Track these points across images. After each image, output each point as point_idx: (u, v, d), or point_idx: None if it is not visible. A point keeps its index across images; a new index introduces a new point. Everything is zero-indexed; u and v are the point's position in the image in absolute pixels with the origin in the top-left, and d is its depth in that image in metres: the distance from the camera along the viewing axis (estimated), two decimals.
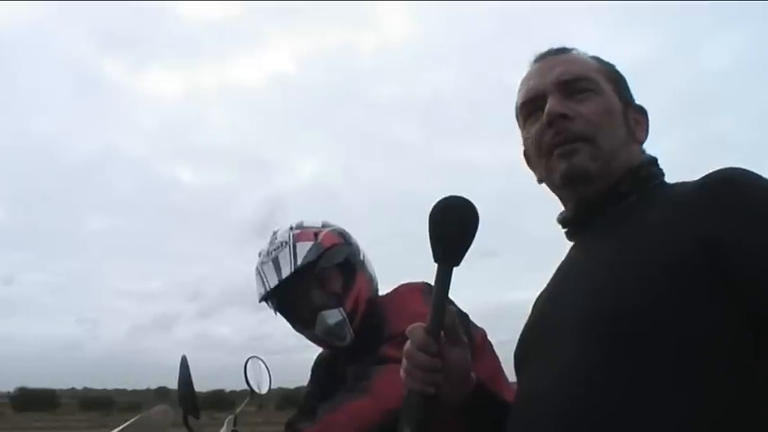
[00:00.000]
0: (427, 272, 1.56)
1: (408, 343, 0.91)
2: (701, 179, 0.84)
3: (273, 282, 1.57)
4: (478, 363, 1.33)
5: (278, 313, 1.68)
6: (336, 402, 1.41)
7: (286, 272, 1.56)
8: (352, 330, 1.57)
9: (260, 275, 1.62)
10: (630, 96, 1.00)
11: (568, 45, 1.02)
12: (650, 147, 1.00)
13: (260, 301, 1.65)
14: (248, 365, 1.91)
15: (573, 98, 0.94)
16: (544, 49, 1.03)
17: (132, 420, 1.67)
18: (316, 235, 1.63)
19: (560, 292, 0.94)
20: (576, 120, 0.93)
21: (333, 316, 1.56)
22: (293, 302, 1.63)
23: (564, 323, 0.86)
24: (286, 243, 1.60)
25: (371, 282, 1.68)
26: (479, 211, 0.88)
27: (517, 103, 1.02)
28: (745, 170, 0.82)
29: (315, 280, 1.59)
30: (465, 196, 0.88)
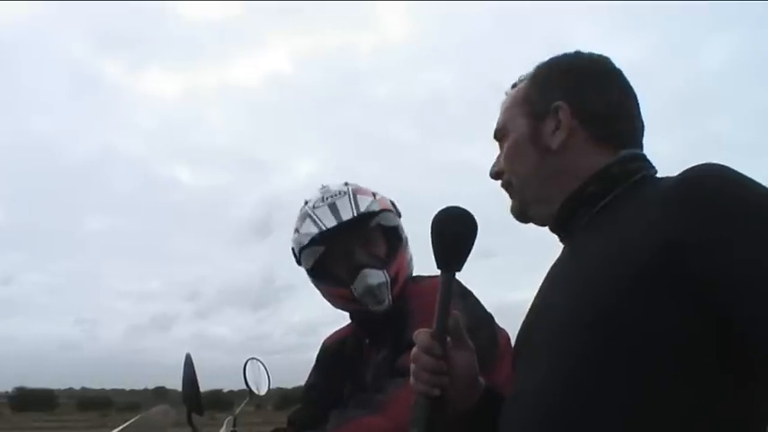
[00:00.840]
0: (426, 270, 1.56)
1: (415, 347, 0.93)
2: (679, 176, 0.82)
3: (330, 223, 1.47)
4: (501, 366, 1.29)
5: (310, 266, 1.57)
6: (347, 416, 1.37)
7: (346, 215, 1.47)
8: (391, 296, 1.49)
9: (311, 218, 1.51)
10: (554, 95, 0.96)
11: (567, 47, 1.04)
12: (646, 146, 0.97)
13: (306, 244, 1.53)
14: (247, 367, 1.92)
15: (502, 145, 1.04)
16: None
17: (132, 420, 1.68)
18: (374, 194, 1.56)
19: (549, 295, 0.95)
20: (505, 171, 1.02)
21: (376, 276, 1.48)
22: (333, 257, 1.53)
23: (546, 328, 0.88)
24: (345, 193, 1.52)
25: (411, 261, 1.61)
26: (478, 211, 0.94)
27: None
28: (723, 167, 0.80)
29: (364, 237, 1.52)
30: (463, 206, 0.96)
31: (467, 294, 1.47)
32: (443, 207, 0.96)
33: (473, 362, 0.96)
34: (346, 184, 1.58)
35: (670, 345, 0.75)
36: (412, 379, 0.93)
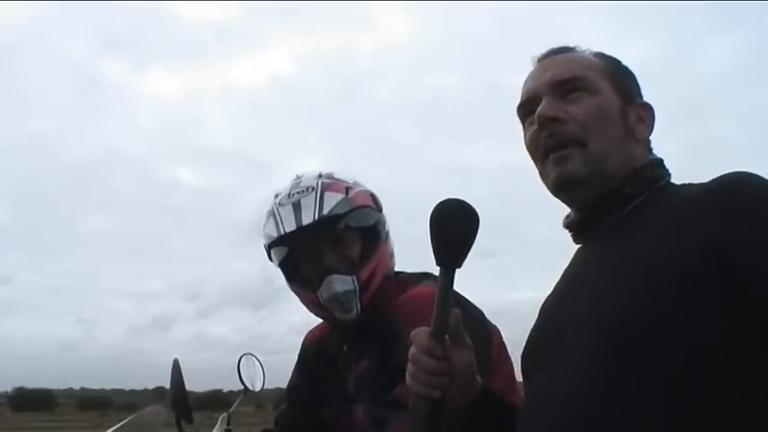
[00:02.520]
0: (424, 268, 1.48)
1: (413, 347, 0.90)
2: (708, 182, 0.83)
3: (290, 227, 1.36)
4: (498, 369, 1.29)
5: (279, 265, 1.47)
6: None
7: (307, 219, 1.35)
8: (359, 305, 1.38)
9: (274, 217, 1.40)
10: (634, 93, 0.99)
11: (570, 44, 1.01)
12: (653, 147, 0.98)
13: (267, 246, 1.45)
14: (242, 363, 1.89)
15: (566, 99, 0.94)
16: (545, 49, 1.01)
17: (126, 420, 1.67)
18: (347, 189, 1.43)
19: (567, 298, 0.93)
20: (569, 122, 0.92)
21: (343, 283, 1.36)
22: (302, 258, 1.43)
23: (571, 330, 0.86)
24: (313, 189, 1.39)
25: (392, 258, 1.49)
26: (478, 212, 0.88)
27: (517, 105, 1.02)
28: (753, 174, 0.81)
29: (334, 239, 1.39)
30: (464, 199, 0.88)
31: (455, 293, 1.43)
32: (443, 199, 0.88)
33: (472, 361, 0.94)
34: (319, 176, 1.46)
35: (713, 345, 0.74)
36: (410, 380, 0.89)
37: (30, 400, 55.84)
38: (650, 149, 0.98)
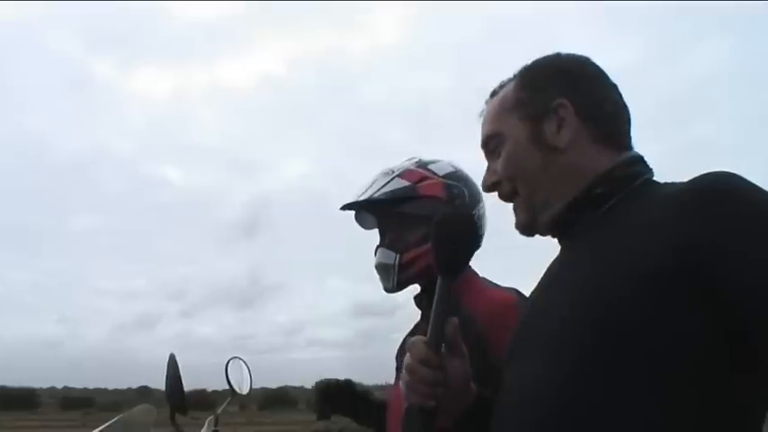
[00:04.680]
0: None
1: (408, 356, 0.92)
2: (687, 183, 0.83)
3: (352, 198, 1.54)
4: None
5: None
6: None
7: (363, 196, 1.52)
8: (395, 280, 1.51)
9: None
10: (546, 97, 0.96)
11: (555, 49, 1.01)
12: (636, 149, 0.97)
13: (340, 209, 1.60)
14: (229, 366, 1.93)
15: (494, 155, 1.01)
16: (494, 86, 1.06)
17: (115, 419, 1.66)
18: (423, 179, 1.50)
19: (548, 295, 0.94)
20: (502, 181, 1.00)
21: (386, 257, 1.51)
22: (375, 225, 1.60)
23: (549, 325, 0.87)
24: (393, 172, 1.53)
25: None
26: (477, 226, 0.96)
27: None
28: (732, 174, 0.80)
29: (396, 220, 1.52)
30: (462, 212, 0.96)
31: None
32: (443, 213, 0.97)
33: (467, 369, 0.95)
34: (417, 163, 1.55)
35: (681, 343, 0.75)
36: (405, 390, 0.92)
37: (11, 399, 55.15)
38: (626, 146, 0.95)
